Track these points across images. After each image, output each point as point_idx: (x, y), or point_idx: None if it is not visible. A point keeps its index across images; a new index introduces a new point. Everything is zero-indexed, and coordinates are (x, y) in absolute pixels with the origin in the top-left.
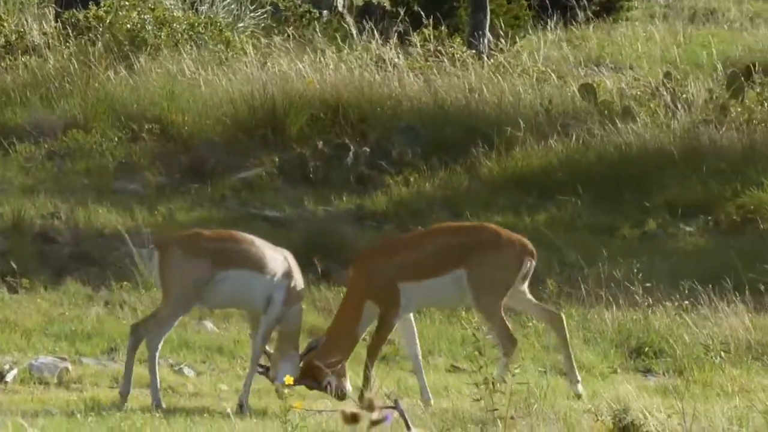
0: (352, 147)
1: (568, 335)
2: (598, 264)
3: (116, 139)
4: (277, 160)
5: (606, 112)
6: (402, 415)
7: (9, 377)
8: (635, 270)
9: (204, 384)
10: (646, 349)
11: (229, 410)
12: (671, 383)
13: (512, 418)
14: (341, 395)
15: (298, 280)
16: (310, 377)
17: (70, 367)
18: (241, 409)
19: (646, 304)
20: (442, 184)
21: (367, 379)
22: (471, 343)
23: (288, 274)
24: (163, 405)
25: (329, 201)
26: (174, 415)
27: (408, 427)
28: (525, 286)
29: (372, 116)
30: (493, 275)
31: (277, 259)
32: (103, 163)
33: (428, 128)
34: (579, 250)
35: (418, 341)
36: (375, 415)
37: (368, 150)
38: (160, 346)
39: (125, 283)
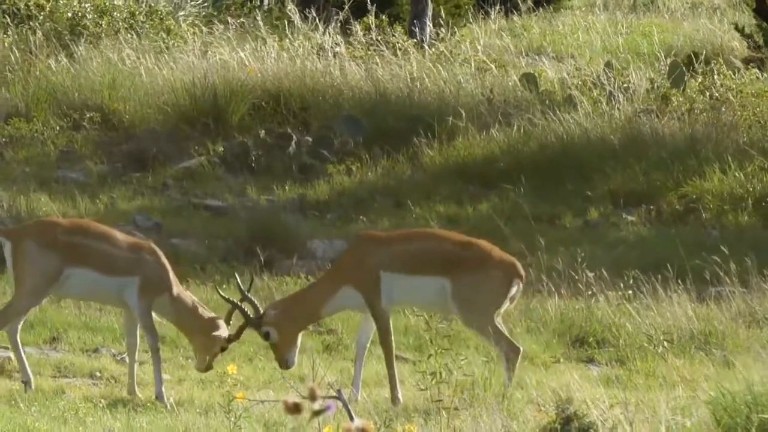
0: (294, 136)
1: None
2: (540, 253)
3: (58, 127)
4: (219, 149)
5: (547, 101)
6: (345, 405)
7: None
8: (578, 259)
9: (146, 374)
10: (589, 338)
11: (171, 400)
12: (614, 373)
13: (456, 408)
14: (284, 363)
15: (156, 273)
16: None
17: (12, 357)
18: (158, 398)
19: (588, 293)
20: (384, 173)
21: (390, 374)
22: (414, 333)
23: (140, 271)
24: (32, 386)
25: (271, 190)
26: (117, 405)
27: (351, 418)
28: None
29: (314, 105)
30: (478, 295)
31: (126, 257)
32: (45, 151)
33: (370, 117)
34: (521, 239)
35: (371, 335)
36: (317, 405)
37: (310, 139)
38: (19, 329)
39: None
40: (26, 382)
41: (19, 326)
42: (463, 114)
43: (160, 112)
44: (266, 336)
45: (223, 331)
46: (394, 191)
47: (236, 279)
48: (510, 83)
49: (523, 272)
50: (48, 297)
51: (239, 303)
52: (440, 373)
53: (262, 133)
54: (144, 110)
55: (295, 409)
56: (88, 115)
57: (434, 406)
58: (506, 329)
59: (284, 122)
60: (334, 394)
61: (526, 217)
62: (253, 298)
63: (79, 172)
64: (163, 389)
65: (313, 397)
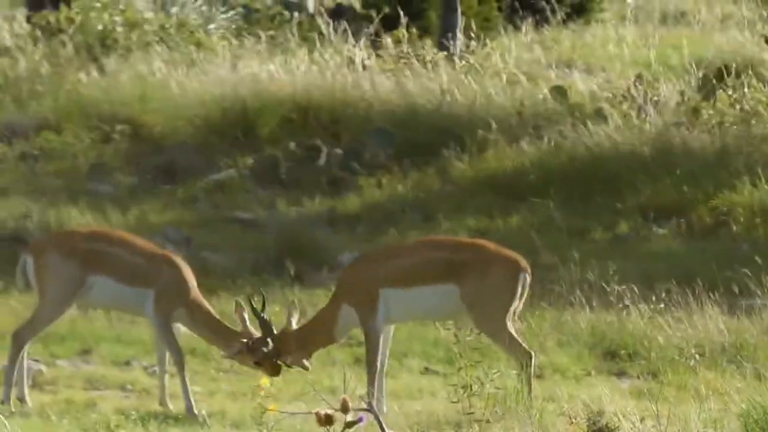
0: (324, 149)
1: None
2: (571, 266)
3: (88, 140)
4: (249, 161)
5: (578, 114)
6: (376, 417)
7: None
8: (609, 272)
9: (177, 386)
10: (621, 351)
11: (204, 412)
12: (645, 386)
13: (488, 421)
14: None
15: (173, 286)
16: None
17: (44, 369)
18: (188, 413)
19: (619, 306)
20: (414, 186)
21: (370, 394)
22: (444, 346)
23: (156, 283)
24: (15, 403)
25: (301, 203)
26: (148, 417)
27: (382, 429)
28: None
29: (344, 118)
30: (489, 296)
31: (144, 267)
32: (75, 164)
33: (400, 130)
34: (552, 252)
35: (387, 351)
36: (349, 417)
37: (340, 152)
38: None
39: None
40: (4, 400)
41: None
42: (494, 126)
43: (190, 125)
44: (287, 365)
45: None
46: (424, 204)
47: (251, 302)
48: (540, 96)
49: (527, 266)
50: (72, 307)
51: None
52: (471, 385)
53: (292, 145)
54: (174, 123)
55: (327, 421)
56: (118, 128)
57: (466, 419)
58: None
59: (314, 135)
60: (366, 406)
61: (557, 229)
62: (266, 319)
63: (109, 184)
64: (193, 403)
65: (345, 409)
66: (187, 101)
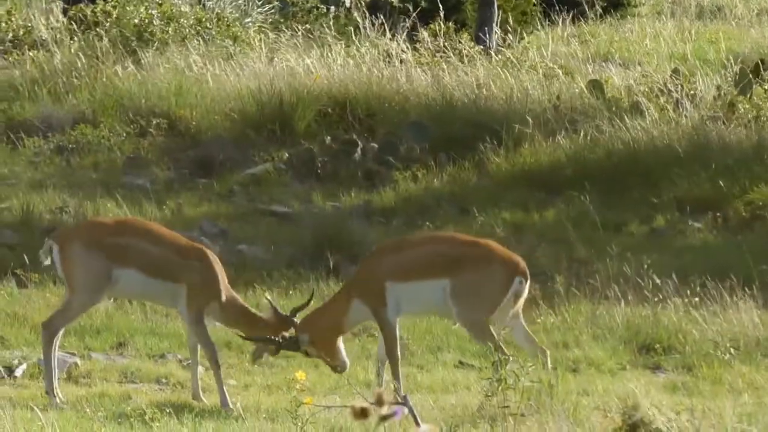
0: (359, 142)
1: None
2: (607, 260)
3: (124, 134)
4: (285, 155)
5: (614, 108)
6: (411, 411)
7: (18, 372)
8: (645, 266)
9: (212, 379)
10: (656, 345)
11: (239, 405)
12: (680, 380)
13: (522, 414)
14: (339, 367)
15: (203, 280)
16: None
17: (79, 362)
18: (223, 407)
19: (655, 300)
20: (450, 179)
21: (395, 384)
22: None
23: (186, 278)
24: (58, 394)
25: (337, 196)
26: (183, 410)
27: (417, 423)
28: (519, 309)
29: (380, 112)
30: (477, 291)
31: (172, 261)
32: (111, 157)
33: (436, 124)
34: (587, 246)
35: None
36: (384, 411)
37: (376, 145)
38: (59, 335)
39: None
40: (48, 391)
41: (60, 333)
42: (530, 120)
43: (226, 119)
44: (306, 354)
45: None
46: (459, 198)
47: (269, 301)
48: (577, 90)
49: (526, 271)
50: (104, 298)
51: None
52: (506, 379)
53: (328, 139)
54: (210, 117)
55: (362, 414)
56: (154, 122)
57: (501, 413)
58: (528, 334)
59: (350, 129)
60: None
61: (593, 223)
62: (287, 317)
63: (145, 178)
64: (228, 398)
65: (380, 402)
66: (223, 95)
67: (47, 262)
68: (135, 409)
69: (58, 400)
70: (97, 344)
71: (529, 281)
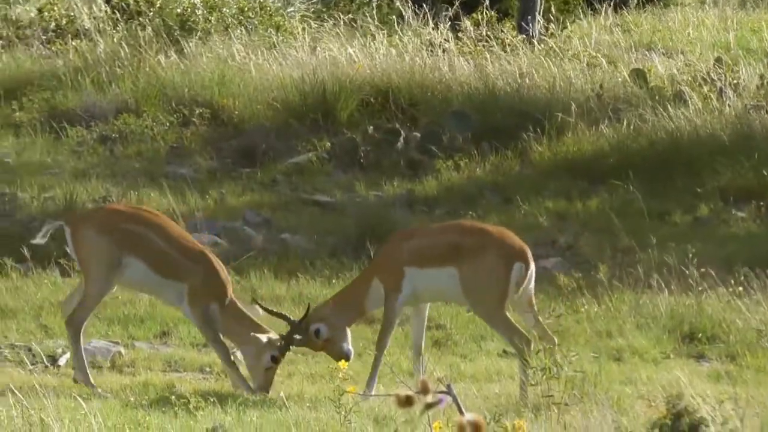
0: (402, 132)
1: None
2: (650, 249)
3: (167, 123)
4: (327, 144)
5: (657, 97)
6: (455, 399)
7: (62, 361)
8: (688, 255)
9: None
10: (699, 334)
11: (282, 394)
12: (724, 369)
13: (566, 404)
14: (343, 355)
15: (208, 282)
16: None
17: (122, 351)
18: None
19: (699, 289)
20: (492, 169)
21: (375, 363)
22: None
23: (188, 278)
24: (92, 382)
25: (380, 186)
26: (227, 399)
27: (461, 412)
28: (530, 297)
29: (422, 101)
30: (480, 281)
31: (177, 260)
32: (155, 147)
33: (479, 113)
34: (631, 235)
35: (423, 334)
36: (428, 399)
37: (419, 135)
38: (84, 325)
39: None
40: (86, 383)
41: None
42: (573, 109)
43: (269, 108)
44: (317, 333)
45: (270, 347)
46: (502, 187)
47: (258, 302)
48: (620, 79)
49: (526, 256)
50: (115, 285)
51: (281, 312)
52: (550, 368)
53: (371, 128)
54: (253, 106)
55: (406, 402)
56: (197, 111)
57: (544, 402)
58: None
59: (393, 118)
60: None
61: (636, 212)
62: (284, 313)
63: (188, 167)
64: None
65: (424, 390)
66: (266, 84)
67: (42, 241)
68: (179, 397)
69: (100, 390)
70: (140, 333)
71: (532, 267)
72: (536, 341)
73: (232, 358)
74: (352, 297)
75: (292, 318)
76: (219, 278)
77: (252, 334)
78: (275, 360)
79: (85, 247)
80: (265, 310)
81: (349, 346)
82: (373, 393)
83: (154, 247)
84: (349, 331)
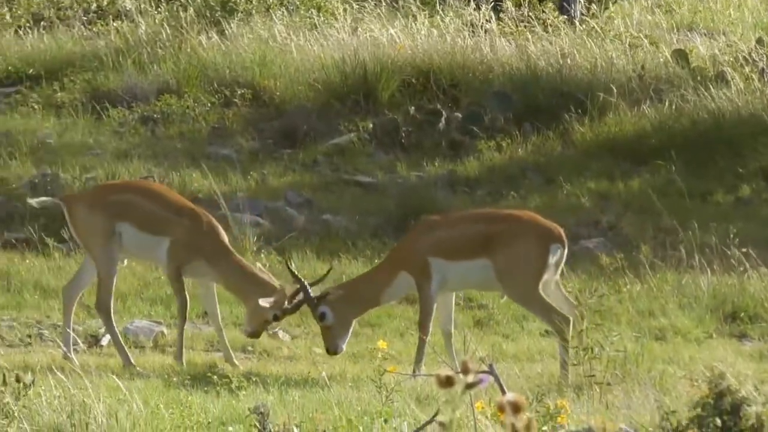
0: (443, 112)
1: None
2: (692, 229)
3: (209, 104)
4: (369, 125)
5: (699, 77)
6: (497, 379)
7: (104, 341)
8: (730, 235)
9: (299, 348)
10: (741, 314)
11: (324, 374)
12: (766, 348)
13: (608, 383)
14: (332, 348)
15: (190, 238)
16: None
17: (165, 331)
18: (176, 360)
19: (740, 269)
20: (534, 149)
21: (419, 352)
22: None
23: (172, 232)
24: (70, 357)
25: (421, 166)
26: (269, 378)
27: (503, 391)
28: (556, 277)
29: (464, 81)
30: (518, 266)
31: (163, 216)
32: (196, 128)
33: (520, 93)
34: (673, 216)
35: (452, 318)
36: (470, 379)
37: (460, 115)
38: (77, 297)
39: None
40: (125, 364)
41: (77, 298)
42: (614, 90)
43: (310, 89)
44: (322, 317)
45: (276, 305)
46: (544, 167)
47: (287, 263)
48: (661, 59)
49: (563, 237)
50: (119, 254)
51: (304, 281)
52: (592, 348)
53: (412, 109)
54: (295, 87)
55: (447, 382)
56: (239, 92)
57: (586, 381)
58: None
59: (434, 99)
60: (486, 368)
61: (678, 193)
62: (304, 281)
63: (230, 148)
64: (183, 355)
65: (466, 370)
66: (307, 65)
67: (35, 204)
68: (221, 377)
69: (140, 370)
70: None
71: (566, 248)
72: (578, 319)
73: (186, 315)
74: (369, 287)
75: (310, 291)
76: (205, 236)
77: (263, 281)
78: (276, 318)
79: (81, 224)
80: (291, 273)
81: (343, 344)
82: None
83: (140, 208)
84: (353, 325)
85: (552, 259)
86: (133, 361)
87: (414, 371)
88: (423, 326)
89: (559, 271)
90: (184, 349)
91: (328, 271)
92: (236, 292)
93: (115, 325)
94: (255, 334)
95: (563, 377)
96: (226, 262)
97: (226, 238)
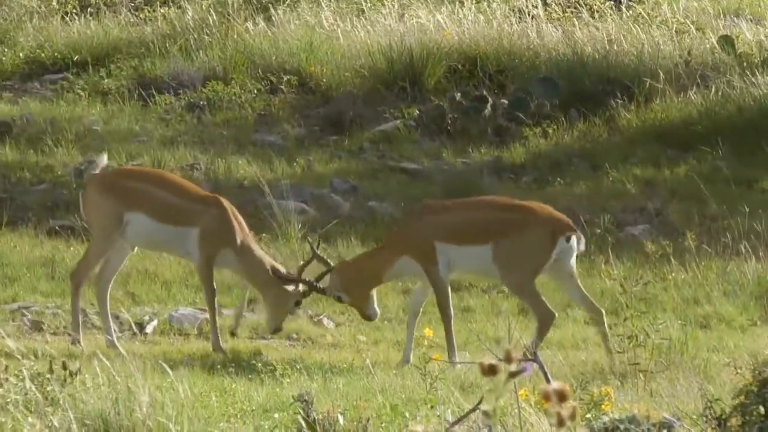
0: (489, 99)
1: (608, 331)
2: (738, 216)
3: (255, 91)
4: (415, 112)
5: (745, 63)
6: (541, 367)
7: (149, 328)
8: None
9: (343, 335)
10: None
11: (368, 361)
12: None
13: (652, 371)
14: (367, 318)
15: (217, 227)
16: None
17: (207, 317)
18: (214, 350)
19: None
20: (580, 135)
21: (448, 337)
22: (609, 296)
23: (200, 222)
24: (116, 344)
25: (467, 153)
26: (313, 366)
27: (547, 380)
28: (572, 269)
29: (510, 68)
30: (519, 255)
31: (184, 207)
32: (242, 114)
33: (566, 80)
34: (719, 203)
35: (423, 303)
36: (513, 367)
37: (506, 102)
38: (109, 286)
39: (264, 234)
40: (110, 343)
41: (109, 287)
42: (661, 76)
43: (356, 76)
44: (339, 299)
45: (295, 294)
46: (590, 154)
47: (309, 242)
48: (708, 45)
49: (571, 227)
50: (115, 243)
51: (325, 259)
52: (637, 336)
53: (458, 96)
54: (341, 74)
55: (491, 371)
56: (285, 79)
57: (631, 369)
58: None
59: (480, 85)
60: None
61: (724, 180)
62: (324, 257)
63: (276, 135)
64: (220, 341)
65: (509, 359)
66: (354, 52)
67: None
68: (265, 364)
69: (82, 347)
70: (228, 300)
71: (577, 238)
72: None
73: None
74: (372, 267)
75: (316, 284)
76: (231, 223)
77: (279, 271)
78: (298, 305)
79: (91, 207)
80: (313, 252)
81: (375, 308)
82: (458, 360)
83: (156, 198)
84: (374, 292)
85: (556, 251)
86: (81, 340)
87: (450, 358)
88: (443, 311)
89: (574, 264)
90: (220, 337)
91: (318, 243)
92: (255, 282)
93: (79, 300)
94: (278, 329)
95: (534, 353)
96: (249, 251)
97: (246, 229)
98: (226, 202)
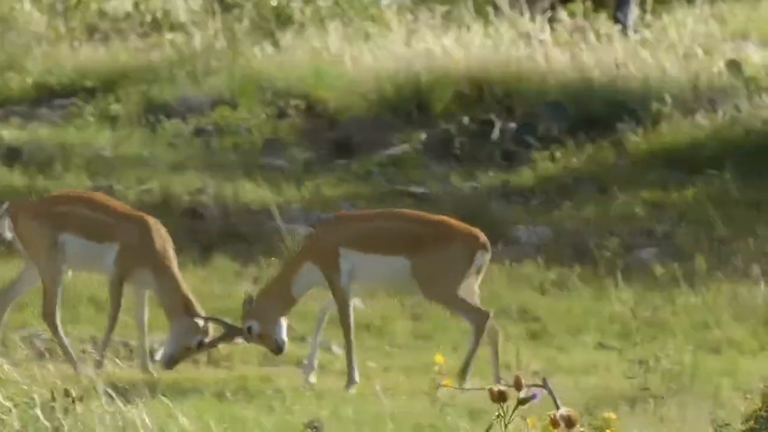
0: (497, 123)
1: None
2: (748, 239)
3: (263, 115)
4: (422, 136)
5: (753, 87)
6: (550, 393)
7: (157, 356)
8: None
9: (342, 361)
10: None
11: (378, 388)
12: None
13: (662, 396)
14: (278, 349)
15: (139, 244)
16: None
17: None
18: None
19: None
20: (588, 159)
21: (347, 352)
22: (619, 321)
23: (120, 238)
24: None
25: (475, 177)
26: (323, 393)
27: (557, 406)
28: (477, 280)
29: (518, 92)
30: (440, 269)
31: (108, 223)
32: (250, 139)
33: (574, 103)
34: (728, 226)
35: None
36: (523, 394)
37: (514, 125)
38: (58, 317)
39: (273, 258)
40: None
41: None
42: (669, 100)
43: (364, 100)
44: (249, 330)
45: (200, 333)
46: (598, 177)
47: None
48: (715, 69)
49: (486, 243)
50: (64, 269)
51: (217, 318)
52: (647, 361)
53: (466, 120)
54: (348, 98)
55: (500, 397)
56: (293, 103)
57: (641, 395)
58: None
59: (488, 109)
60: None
61: (733, 203)
62: (224, 319)
63: (284, 159)
64: (149, 355)
65: (518, 385)
66: (361, 76)
67: (9, 235)
68: (275, 391)
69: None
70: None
71: (489, 253)
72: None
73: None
74: (280, 286)
75: (229, 323)
76: (153, 243)
77: (188, 311)
78: (200, 346)
79: (25, 234)
80: (203, 318)
81: (283, 337)
82: (466, 386)
83: (83, 217)
84: (283, 321)
85: (475, 265)
86: (77, 369)
87: (348, 375)
88: (342, 321)
89: (481, 277)
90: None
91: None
92: (165, 308)
93: (62, 333)
94: (172, 362)
95: (464, 368)
96: (172, 282)
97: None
98: (152, 222)
